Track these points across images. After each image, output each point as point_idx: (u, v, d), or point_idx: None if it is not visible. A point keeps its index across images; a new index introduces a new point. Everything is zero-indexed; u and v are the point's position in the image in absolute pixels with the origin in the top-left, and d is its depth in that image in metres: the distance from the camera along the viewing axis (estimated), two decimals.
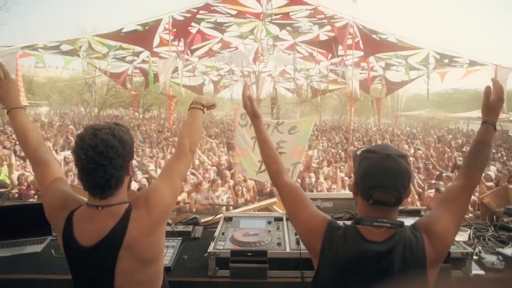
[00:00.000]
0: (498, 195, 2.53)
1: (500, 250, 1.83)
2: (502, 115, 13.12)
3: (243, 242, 1.76)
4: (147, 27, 13.49)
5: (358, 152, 1.31)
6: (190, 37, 15.03)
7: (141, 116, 30.60)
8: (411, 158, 10.62)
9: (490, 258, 1.75)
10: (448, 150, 12.23)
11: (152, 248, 1.34)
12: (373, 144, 9.74)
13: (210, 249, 1.72)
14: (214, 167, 8.19)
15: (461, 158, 10.05)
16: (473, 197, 5.92)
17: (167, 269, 1.72)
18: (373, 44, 14.19)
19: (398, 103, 26.93)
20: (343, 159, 9.89)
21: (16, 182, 6.75)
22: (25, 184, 6.59)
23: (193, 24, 14.04)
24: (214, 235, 1.90)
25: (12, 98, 1.59)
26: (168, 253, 1.83)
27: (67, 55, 16.66)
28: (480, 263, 1.76)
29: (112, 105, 33.69)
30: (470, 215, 4.48)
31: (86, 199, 1.36)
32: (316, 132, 17.17)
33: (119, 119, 25.72)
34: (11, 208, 2.27)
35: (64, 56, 16.97)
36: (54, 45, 14.59)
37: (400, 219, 1.25)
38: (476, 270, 1.69)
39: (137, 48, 15.73)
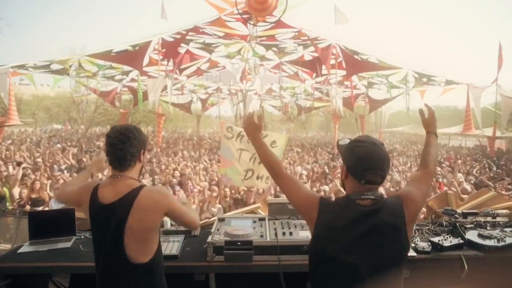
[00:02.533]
0: (439, 199, 3.07)
1: (431, 238, 2.34)
2: (477, 131, 13.72)
3: (234, 235, 2.24)
4: (137, 48, 13.86)
5: (342, 143, 1.72)
6: (179, 57, 15.48)
7: None
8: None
9: (422, 244, 2.27)
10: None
11: (154, 220, 1.81)
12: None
13: (209, 239, 2.19)
14: (206, 183, 8.57)
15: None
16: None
17: (174, 257, 2.17)
18: (355, 64, 14.85)
19: (381, 120, 27.69)
20: (328, 175, 10.39)
21: (17, 197, 7.09)
22: (24, 199, 6.92)
23: (182, 44, 14.51)
24: (211, 230, 2.38)
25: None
26: (174, 245, 2.29)
27: (57, 74, 16.82)
28: (415, 248, 2.27)
29: (100, 123, 33.80)
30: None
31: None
32: (299, 150, 17.63)
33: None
34: (44, 214, 2.74)
35: (53, 75, 17.12)
36: (44, 64, 14.77)
37: None
38: (410, 253, 2.19)
39: (126, 67, 16.07)
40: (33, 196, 6.87)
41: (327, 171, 10.96)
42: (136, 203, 1.74)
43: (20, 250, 2.36)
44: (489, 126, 14.84)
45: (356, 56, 14.63)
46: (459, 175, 9.89)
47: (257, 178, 4.96)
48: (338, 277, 1.51)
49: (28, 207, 6.77)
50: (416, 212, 1.63)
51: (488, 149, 16.36)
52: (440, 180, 9.04)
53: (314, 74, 18.14)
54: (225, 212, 6.61)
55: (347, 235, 1.50)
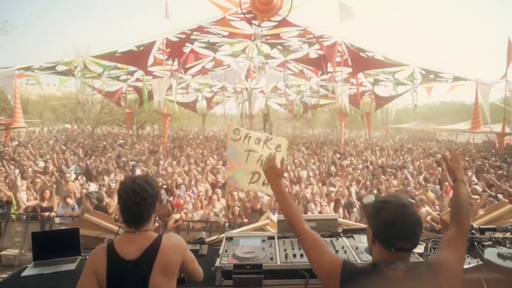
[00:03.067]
0: None
1: None
2: (485, 128, 13.59)
3: (242, 258, 2.17)
4: (141, 48, 13.86)
5: (367, 201, 1.61)
6: (183, 57, 15.48)
7: (135, 133, 30.85)
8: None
9: None
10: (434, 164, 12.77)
11: (175, 266, 1.79)
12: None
13: (217, 263, 2.12)
14: (208, 185, 8.53)
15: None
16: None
17: (182, 281, 2.11)
18: (361, 61, 14.74)
19: (388, 117, 27.58)
20: (333, 174, 10.29)
21: (25, 201, 7.11)
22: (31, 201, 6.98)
23: (186, 44, 14.49)
24: (219, 252, 2.30)
25: None
26: None
27: (63, 75, 16.90)
28: None
29: (106, 123, 33.97)
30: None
31: None
32: (308, 150, 17.53)
33: (113, 136, 25.99)
34: (47, 234, 2.68)
35: (59, 76, 17.21)
36: (50, 66, 14.83)
37: None
38: None
39: (131, 67, 16.11)
40: (44, 205, 6.89)
41: (333, 170, 10.84)
42: (159, 256, 1.74)
43: (24, 274, 2.30)
44: (498, 122, 14.69)
45: (362, 54, 14.54)
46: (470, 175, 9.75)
47: (263, 184, 4.89)
48: None
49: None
50: (455, 280, 1.44)
51: (497, 146, 16.19)
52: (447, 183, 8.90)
53: (320, 72, 18.04)
54: (228, 217, 6.59)
55: None
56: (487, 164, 13.00)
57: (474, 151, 18.87)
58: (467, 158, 14.62)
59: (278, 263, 2.15)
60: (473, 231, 2.56)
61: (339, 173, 10.44)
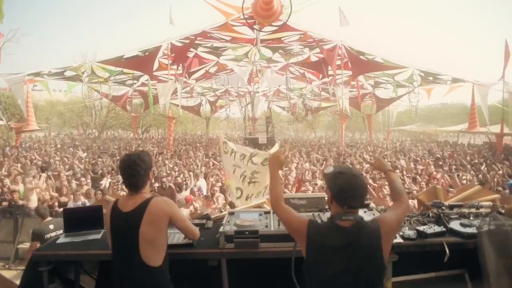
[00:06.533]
0: (429, 193, 3.35)
1: (417, 227, 2.63)
2: (482, 129, 13.80)
3: (242, 225, 2.57)
4: (147, 53, 14.21)
5: (327, 171, 2.02)
6: (188, 61, 15.85)
7: (141, 136, 31.28)
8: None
9: (409, 232, 2.56)
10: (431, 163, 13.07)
11: (162, 220, 2.26)
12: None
13: (221, 230, 2.53)
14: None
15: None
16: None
17: (190, 245, 2.51)
18: (360, 64, 15.02)
19: (389, 119, 27.75)
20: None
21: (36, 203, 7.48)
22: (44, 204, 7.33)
23: (190, 49, 14.86)
24: (222, 222, 2.71)
25: None
26: None
27: (70, 81, 17.34)
28: (402, 236, 2.55)
29: (112, 127, 34.46)
30: None
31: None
32: (309, 148, 17.87)
33: (118, 140, 26.45)
34: (76, 210, 3.10)
35: (67, 82, 17.65)
36: (59, 71, 15.24)
37: None
38: (396, 240, 2.46)
39: (137, 72, 16.50)
40: (64, 200, 7.30)
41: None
42: (148, 210, 2.21)
43: (59, 241, 2.72)
44: (498, 123, 14.93)
45: (361, 57, 14.81)
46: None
47: (246, 198, 5.17)
48: None
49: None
50: (391, 231, 1.89)
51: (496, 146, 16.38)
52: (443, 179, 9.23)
53: (321, 75, 18.35)
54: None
55: (333, 255, 1.78)
56: (484, 164, 13.20)
57: (466, 149, 19.02)
58: (468, 157, 14.84)
59: (272, 229, 2.55)
60: (443, 208, 2.95)
61: None
